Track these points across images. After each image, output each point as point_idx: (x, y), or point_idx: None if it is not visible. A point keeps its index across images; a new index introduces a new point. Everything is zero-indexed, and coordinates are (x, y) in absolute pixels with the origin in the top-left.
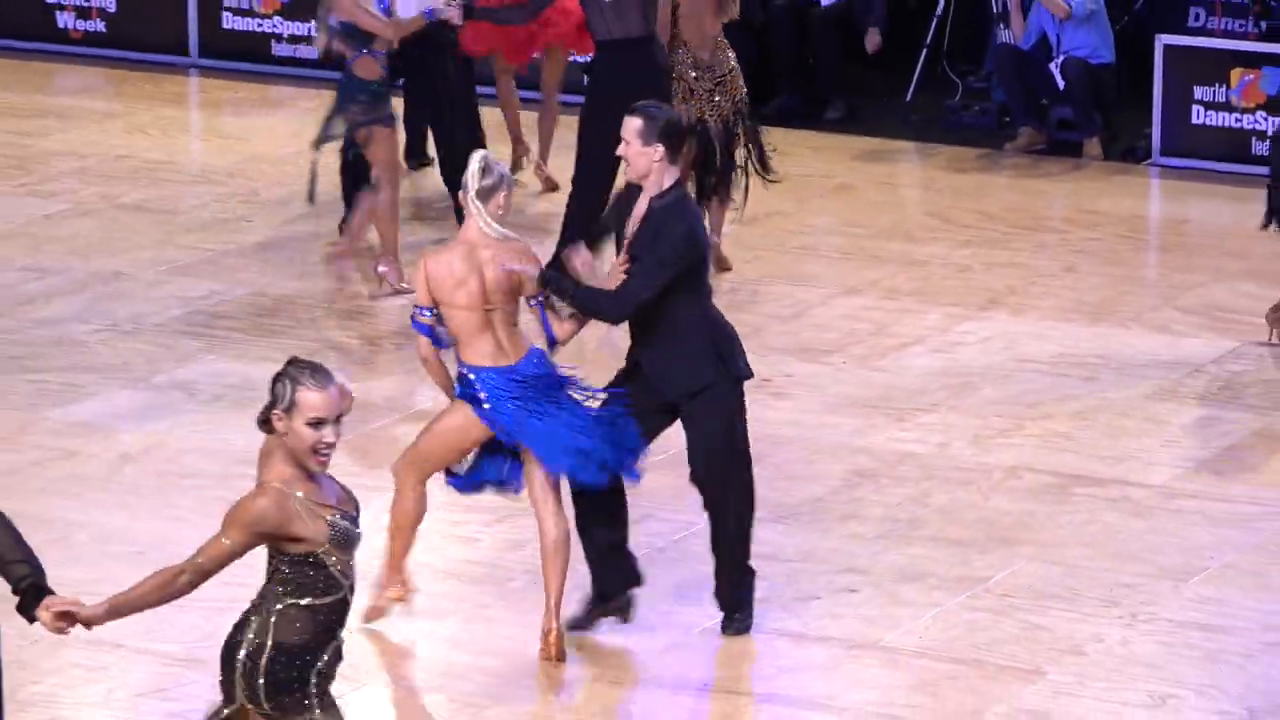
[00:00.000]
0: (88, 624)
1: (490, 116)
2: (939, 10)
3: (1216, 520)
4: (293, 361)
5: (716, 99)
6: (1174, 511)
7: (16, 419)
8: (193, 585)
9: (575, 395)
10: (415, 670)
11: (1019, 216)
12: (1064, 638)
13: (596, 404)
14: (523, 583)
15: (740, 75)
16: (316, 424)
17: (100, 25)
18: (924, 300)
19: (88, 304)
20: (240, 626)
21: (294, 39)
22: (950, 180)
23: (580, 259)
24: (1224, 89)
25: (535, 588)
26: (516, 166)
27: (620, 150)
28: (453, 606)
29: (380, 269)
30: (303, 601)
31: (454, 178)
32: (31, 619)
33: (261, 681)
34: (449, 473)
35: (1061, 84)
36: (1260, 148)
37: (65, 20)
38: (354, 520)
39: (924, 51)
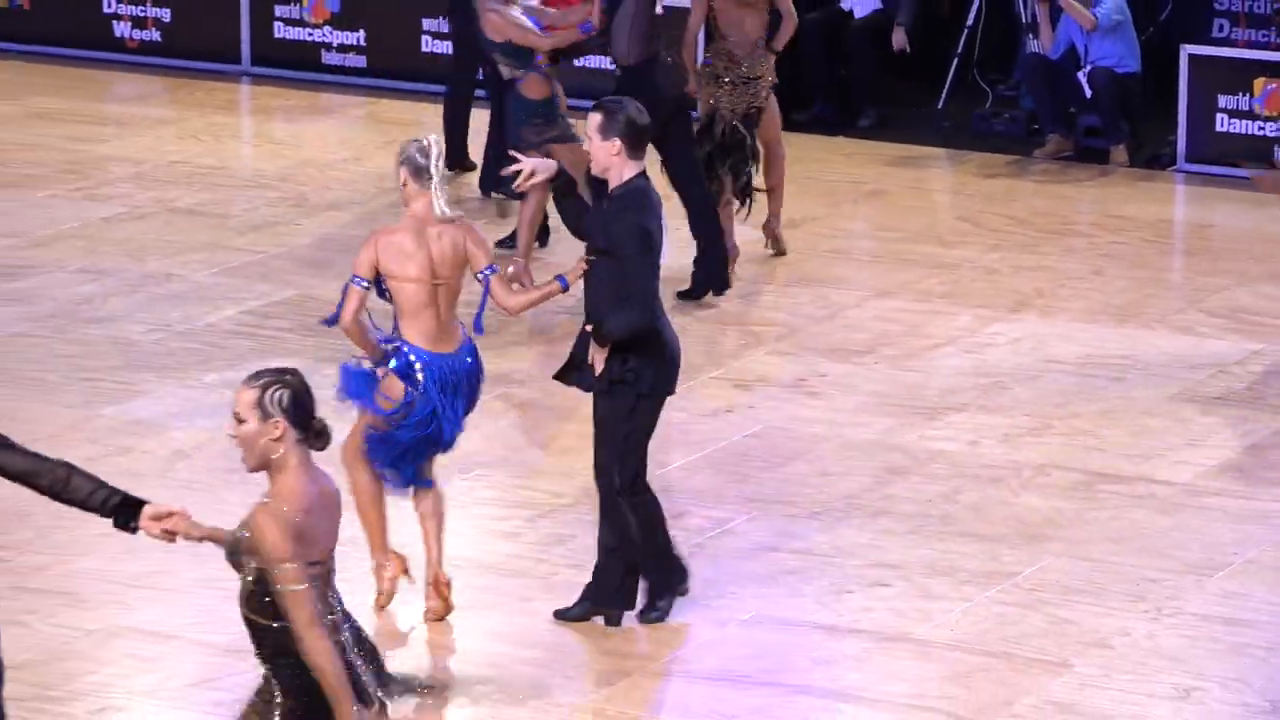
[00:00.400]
0: (187, 536)
1: None
2: (969, 20)
3: (1240, 517)
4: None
5: (734, 96)
6: (1198, 508)
7: (72, 417)
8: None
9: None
10: (458, 663)
11: (1047, 221)
12: (1091, 631)
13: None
14: (565, 576)
15: (767, 88)
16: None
17: (156, 34)
18: (954, 302)
19: (142, 305)
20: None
21: (343, 48)
22: (980, 186)
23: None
24: (1247, 98)
25: (577, 582)
26: None
27: (584, 145)
28: (495, 600)
29: (510, 270)
30: None
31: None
32: (134, 529)
33: None
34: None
35: (1089, 92)
36: None
37: (122, 29)
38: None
39: (954, 60)
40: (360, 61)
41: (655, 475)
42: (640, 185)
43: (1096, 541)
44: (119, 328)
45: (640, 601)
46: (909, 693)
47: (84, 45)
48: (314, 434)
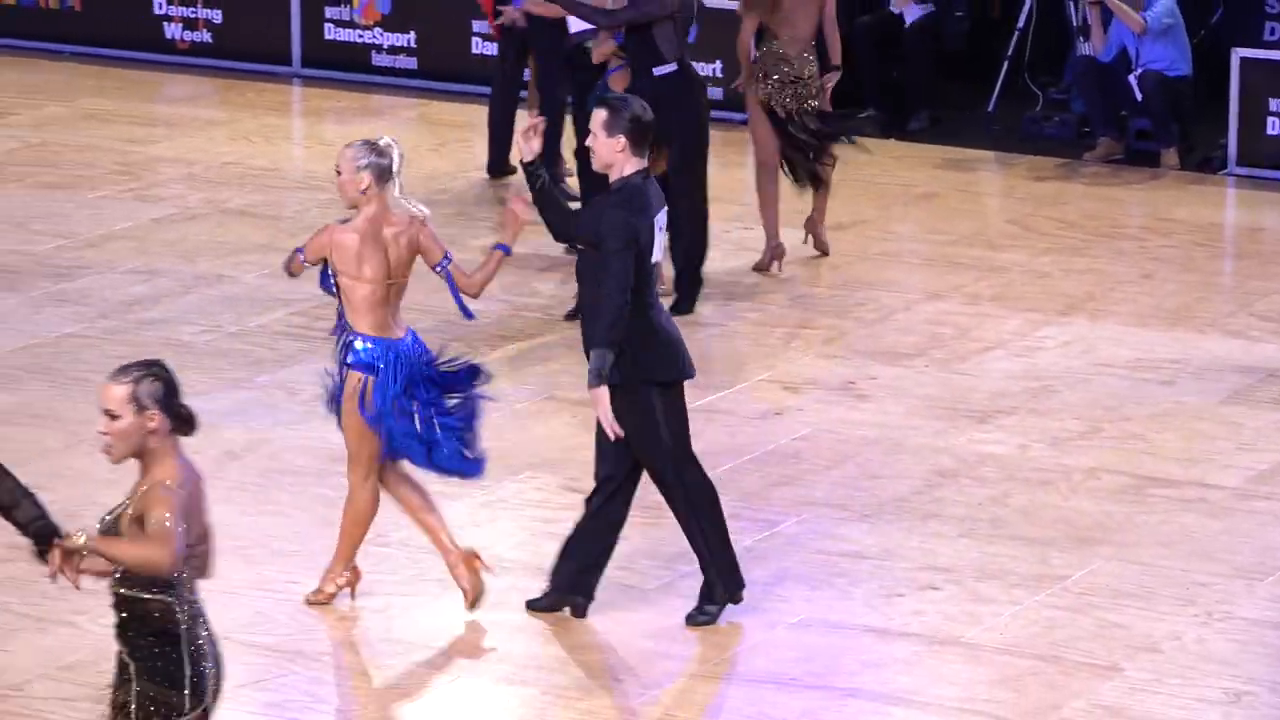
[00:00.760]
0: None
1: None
2: (1020, 23)
3: None
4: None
5: (786, 94)
6: (1249, 512)
7: None
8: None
9: (437, 382)
10: (508, 663)
11: (1097, 224)
12: (1141, 635)
13: (453, 400)
14: (614, 578)
15: (816, 88)
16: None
17: (207, 36)
18: (1004, 305)
19: (193, 306)
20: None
21: (394, 49)
22: (1030, 189)
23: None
24: None
25: (625, 584)
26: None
27: (588, 141)
28: None
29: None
30: None
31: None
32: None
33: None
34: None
35: (1139, 96)
36: None
37: (173, 31)
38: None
39: (1005, 64)
40: (411, 63)
41: None
42: (637, 183)
43: (1146, 545)
44: (170, 329)
45: (689, 604)
46: (958, 696)
47: (135, 47)
48: (183, 421)
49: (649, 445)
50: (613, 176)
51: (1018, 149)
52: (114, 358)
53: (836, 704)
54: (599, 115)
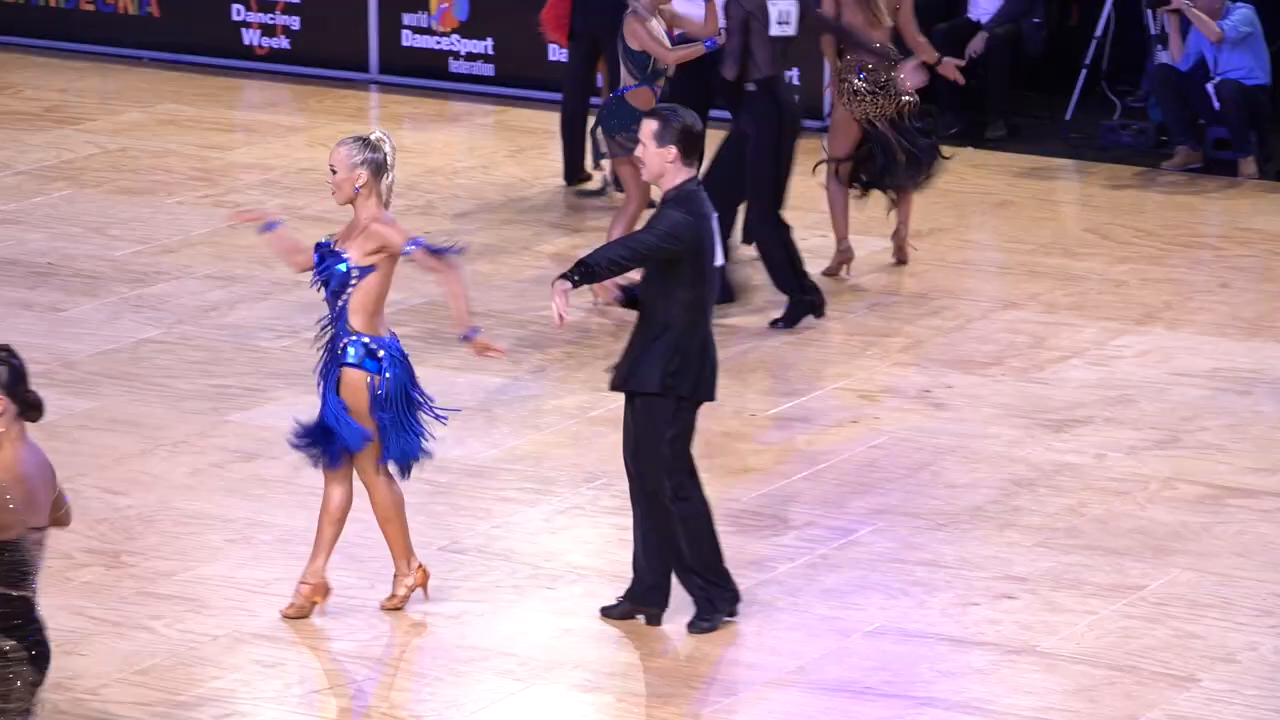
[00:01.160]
0: None
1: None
2: (1098, 32)
3: None
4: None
5: (879, 101)
6: None
7: (200, 422)
8: None
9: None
10: (583, 670)
11: (1175, 233)
12: (1217, 646)
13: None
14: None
15: (899, 86)
16: None
17: (285, 43)
18: (1081, 314)
19: (270, 311)
20: None
21: (471, 56)
22: (1108, 197)
23: None
24: None
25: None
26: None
27: (637, 151)
28: None
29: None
30: None
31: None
32: None
33: None
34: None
35: (1217, 104)
36: None
37: (251, 38)
38: None
39: (1083, 72)
40: (488, 70)
41: (779, 486)
42: (691, 189)
43: (1224, 555)
44: (247, 334)
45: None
46: (1034, 706)
47: (213, 53)
48: (30, 407)
49: (648, 455)
50: (664, 186)
51: (1095, 157)
52: (190, 363)
53: (911, 713)
54: (649, 125)
